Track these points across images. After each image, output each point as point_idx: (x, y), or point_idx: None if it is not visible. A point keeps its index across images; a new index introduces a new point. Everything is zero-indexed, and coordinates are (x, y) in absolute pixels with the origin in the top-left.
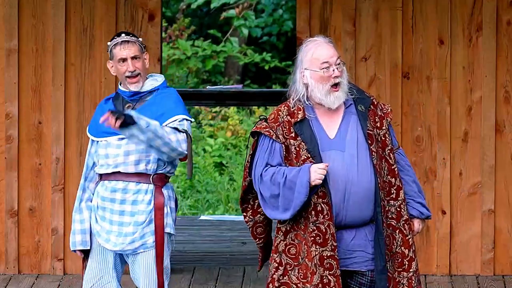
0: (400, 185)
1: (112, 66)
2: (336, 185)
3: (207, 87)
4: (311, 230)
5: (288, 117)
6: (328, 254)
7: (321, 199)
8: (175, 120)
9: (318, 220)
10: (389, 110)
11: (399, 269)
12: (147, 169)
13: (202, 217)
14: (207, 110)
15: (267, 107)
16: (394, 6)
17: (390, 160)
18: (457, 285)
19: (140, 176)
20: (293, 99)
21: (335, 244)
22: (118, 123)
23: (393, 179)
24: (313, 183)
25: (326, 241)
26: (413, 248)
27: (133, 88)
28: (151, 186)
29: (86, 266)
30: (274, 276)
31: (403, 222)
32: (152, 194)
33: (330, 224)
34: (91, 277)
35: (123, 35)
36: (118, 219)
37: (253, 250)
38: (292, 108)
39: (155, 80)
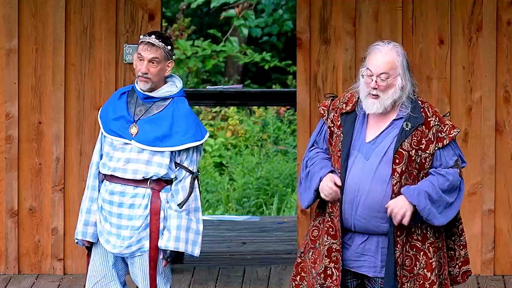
0: None
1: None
2: (349, 189)
3: (207, 87)
4: (327, 220)
5: (344, 105)
6: (337, 248)
7: None
8: (184, 150)
9: (333, 212)
10: (449, 135)
11: None
12: (144, 177)
13: (202, 217)
14: (207, 110)
15: (267, 107)
16: (394, 6)
17: None
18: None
19: (138, 180)
20: (356, 91)
21: (341, 240)
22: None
23: None
24: (321, 194)
25: (336, 235)
26: (436, 272)
27: (142, 86)
28: (149, 191)
29: (89, 262)
30: (299, 252)
31: (428, 244)
32: (149, 199)
33: (339, 219)
34: (94, 275)
35: (153, 36)
36: (116, 222)
37: (253, 250)
38: (352, 97)
39: (173, 86)
